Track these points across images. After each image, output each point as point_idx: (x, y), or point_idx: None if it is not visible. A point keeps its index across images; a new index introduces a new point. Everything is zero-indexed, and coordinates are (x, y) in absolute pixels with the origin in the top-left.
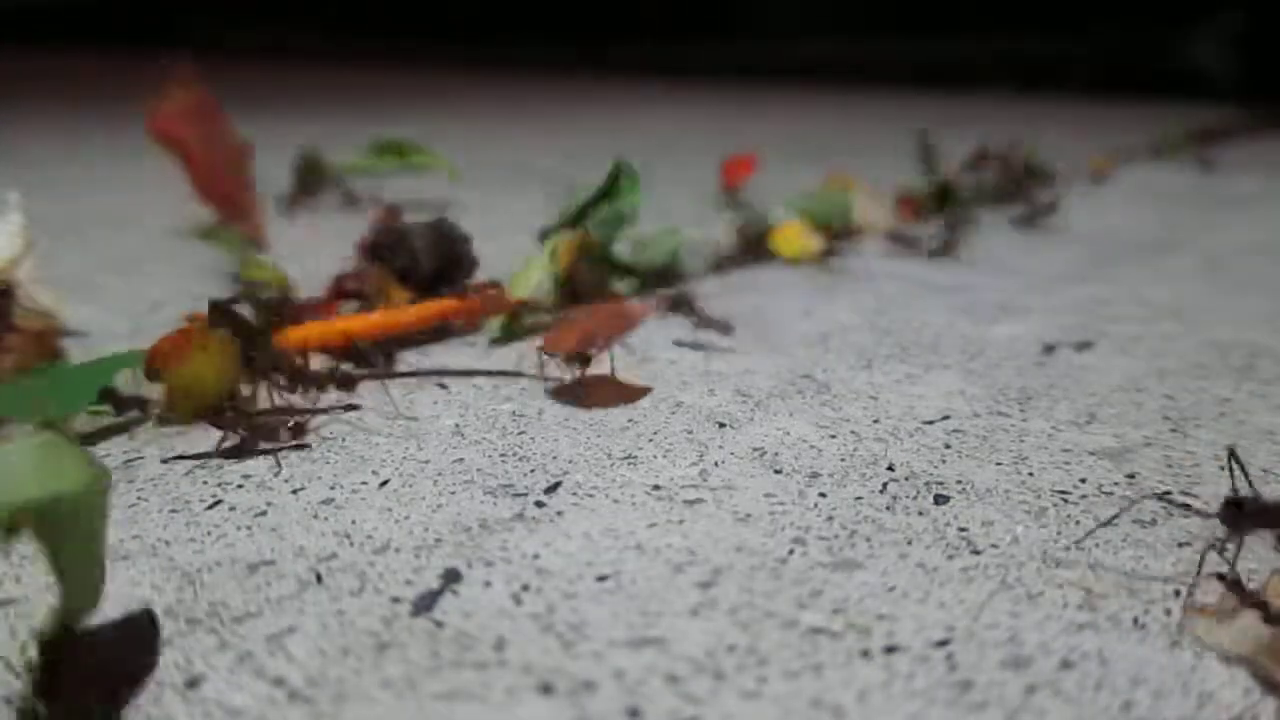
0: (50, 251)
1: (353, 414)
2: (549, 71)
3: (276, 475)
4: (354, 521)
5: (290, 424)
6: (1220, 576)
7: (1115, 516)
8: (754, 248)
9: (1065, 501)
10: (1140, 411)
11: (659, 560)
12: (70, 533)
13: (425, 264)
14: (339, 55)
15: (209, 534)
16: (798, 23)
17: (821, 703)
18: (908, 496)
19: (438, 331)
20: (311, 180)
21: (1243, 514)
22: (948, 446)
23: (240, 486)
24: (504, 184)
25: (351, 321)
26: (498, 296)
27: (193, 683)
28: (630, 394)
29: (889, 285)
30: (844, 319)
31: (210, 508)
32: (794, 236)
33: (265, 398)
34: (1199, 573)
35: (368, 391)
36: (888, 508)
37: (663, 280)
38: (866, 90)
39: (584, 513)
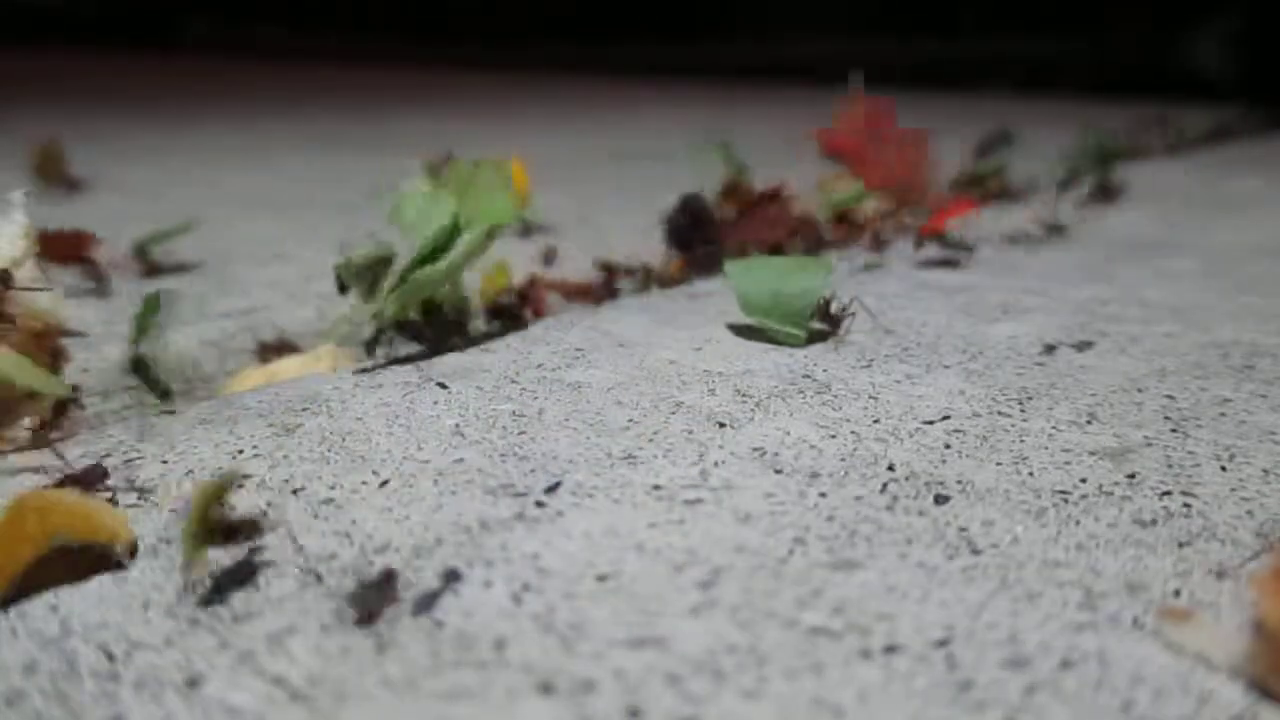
0: None
1: (351, 413)
2: (547, 71)
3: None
4: (354, 521)
5: None
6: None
7: None
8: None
9: (1065, 501)
10: (1140, 411)
11: (659, 560)
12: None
13: None
14: (339, 54)
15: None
16: (797, 23)
17: (821, 703)
18: (908, 496)
19: None
20: None
21: None
22: (948, 446)
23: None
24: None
25: None
26: None
27: (193, 682)
28: None
29: (889, 284)
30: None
31: None
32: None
33: None
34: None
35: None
36: (888, 508)
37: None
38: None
39: (584, 513)
